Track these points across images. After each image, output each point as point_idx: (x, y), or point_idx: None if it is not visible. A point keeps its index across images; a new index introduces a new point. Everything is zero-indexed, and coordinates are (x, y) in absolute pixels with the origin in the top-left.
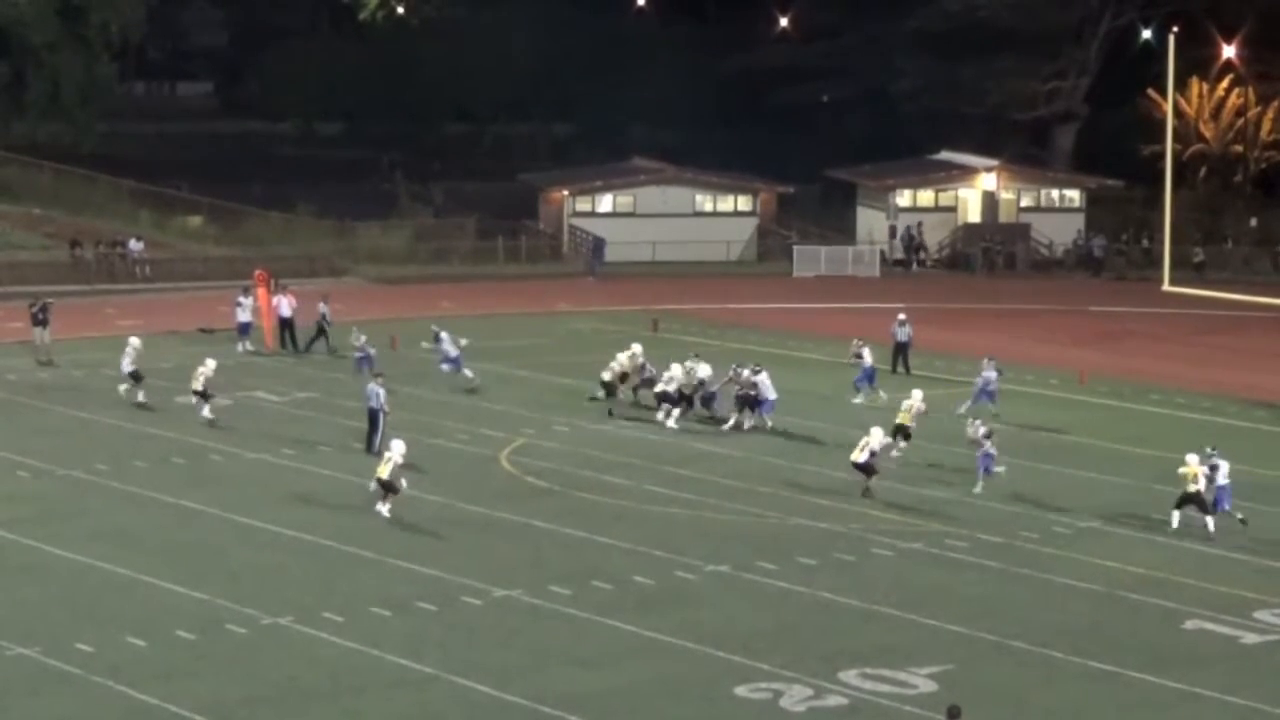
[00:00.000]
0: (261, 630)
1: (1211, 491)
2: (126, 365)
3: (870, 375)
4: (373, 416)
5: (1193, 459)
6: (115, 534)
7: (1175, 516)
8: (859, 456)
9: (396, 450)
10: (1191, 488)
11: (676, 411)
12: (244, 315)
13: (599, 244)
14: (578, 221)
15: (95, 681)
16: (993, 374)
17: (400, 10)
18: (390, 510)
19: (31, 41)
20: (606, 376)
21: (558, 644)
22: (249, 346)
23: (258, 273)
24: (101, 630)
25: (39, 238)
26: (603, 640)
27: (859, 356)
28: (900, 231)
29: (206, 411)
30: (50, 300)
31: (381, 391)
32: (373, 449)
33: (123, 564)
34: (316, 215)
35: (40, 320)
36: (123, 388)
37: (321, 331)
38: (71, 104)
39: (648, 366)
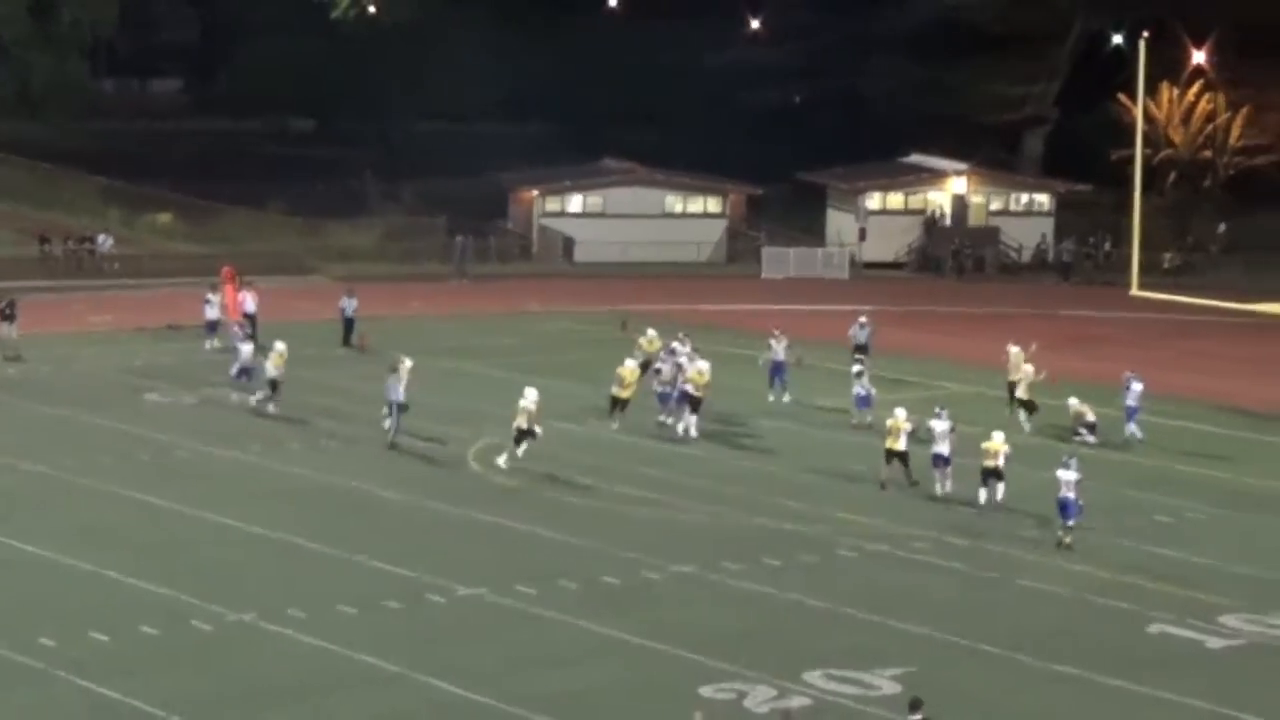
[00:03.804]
0: (227, 627)
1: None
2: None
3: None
4: (394, 409)
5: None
6: (81, 529)
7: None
8: (899, 444)
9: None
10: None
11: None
12: (212, 312)
13: (465, 244)
14: (548, 222)
15: (58, 676)
16: (1138, 386)
17: (372, 9)
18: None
19: (2, 38)
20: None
21: (524, 643)
22: (217, 344)
23: (225, 270)
24: (65, 625)
25: (8, 233)
26: (568, 640)
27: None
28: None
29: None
30: (16, 297)
31: (397, 384)
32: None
33: (88, 559)
34: (286, 213)
35: (7, 316)
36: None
37: (348, 327)
38: (42, 100)
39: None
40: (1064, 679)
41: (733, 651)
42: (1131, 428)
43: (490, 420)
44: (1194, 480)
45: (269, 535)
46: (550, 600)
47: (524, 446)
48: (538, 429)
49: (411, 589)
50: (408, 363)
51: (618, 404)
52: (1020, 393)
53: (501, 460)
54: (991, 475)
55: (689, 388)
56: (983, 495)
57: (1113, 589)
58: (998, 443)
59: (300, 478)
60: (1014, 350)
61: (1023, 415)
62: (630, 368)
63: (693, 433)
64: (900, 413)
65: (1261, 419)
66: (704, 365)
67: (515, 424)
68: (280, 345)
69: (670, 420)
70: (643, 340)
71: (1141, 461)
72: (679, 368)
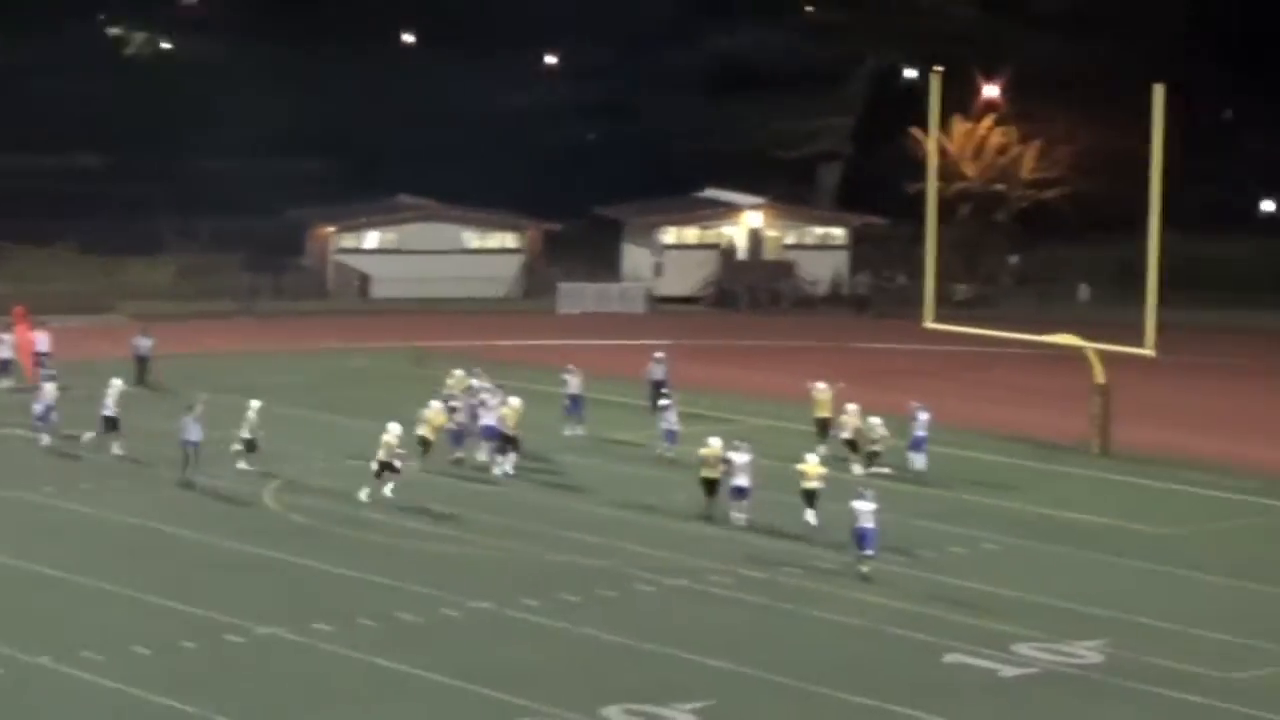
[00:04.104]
0: (20, 670)
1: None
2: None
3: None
4: (187, 448)
5: (714, 441)
6: None
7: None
8: (715, 473)
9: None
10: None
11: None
12: (4, 352)
13: (252, 281)
14: (343, 258)
15: None
16: (924, 416)
17: (165, 45)
18: None
19: None
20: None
21: (321, 682)
22: (9, 384)
23: (16, 309)
24: None
25: None
26: (366, 678)
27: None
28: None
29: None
30: None
31: (193, 423)
32: (189, 482)
33: None
34: (80, 251)
35: None
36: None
37: (141, 365)
38: None
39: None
40: (859, 710)
41: (531, 688)
42: (919, 458)
43: (286, 458)
44: (987, 511)
45: (62, 577)
46: (348, 638)
47: (389, 484)
48: (398, 464)
49: (208, 629)
50: (255, 404)
51: (424, 445)
52: (847, 434)
53: (363, 494)
54: (811, 497)
55: (502, 426)
56: (810, 517)
57: (909, 619)
58: (813, 464)
59: (93, 517)
60: (820, 387)
61: (852, 457)
62: (436, 409)
63: (509, 469)
64: (715, 441)
65: (1051, 449)
66: (515, 402)
67: (376, 457)
68: (117, 381)
69: (464, 456)
70: (450, 380)
71: (935, 493)
72: (482, 403)
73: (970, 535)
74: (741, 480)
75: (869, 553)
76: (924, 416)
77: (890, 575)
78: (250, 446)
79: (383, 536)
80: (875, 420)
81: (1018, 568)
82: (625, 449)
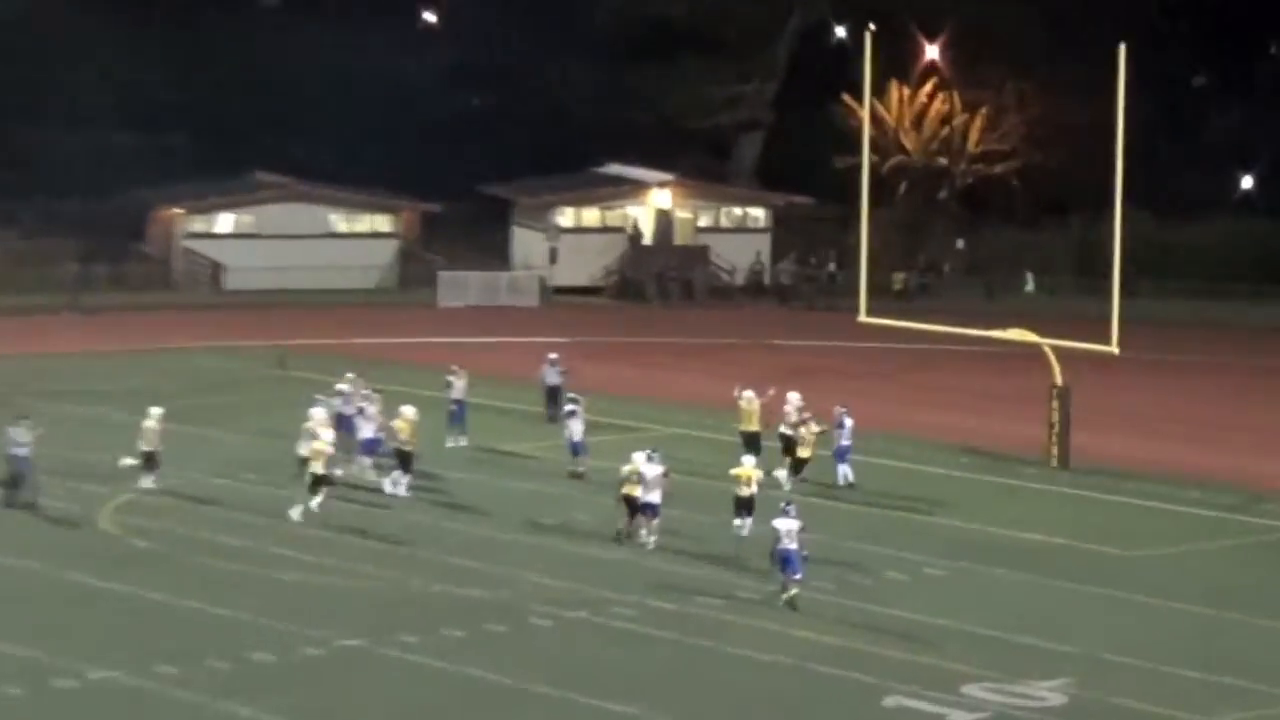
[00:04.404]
0: None
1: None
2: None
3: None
4: (15, 465)
5: (639, 457)
6: None
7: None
8: (637, 491)
9: None
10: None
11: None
12: None
13: (80, 272)
14: (192, 244)
15: None
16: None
17: None
18: None
19: None
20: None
21: None
22: None
23: None
24: None
25: None
26: None
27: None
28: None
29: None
30: None
31: (23, 436)
32: (13, 504)
33: None
34: None
35: None
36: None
37: None
38: None
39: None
40: None
41: None
42: (845, 469)
43: (125, 474)
44: (927, 529)
45: None
46: (196, 681)
47: (319, 497)
48: (338, 472)
49: (35, 672)
50: (156, 411)
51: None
52: (786, 429)
53: (295, 512)
54: (745, 505)
55: (394, 440)
56: (740, 527)
57: (842, 656)
58: (748, 468)
59: None
60: (748, 396)
61: (784, 473)
62: (320, 417)
63: (402, 491)
64: (639, 457)
65: (997, 460)
66: (409, 412)
67: (310, 469)
68: None
69: (339, 472)
70: (340, 385)
71: (869, 510)
72: (360, 412)
73: (911, 559)
74: (652, 496)
75: (796, 577)
76: (849, 423)
77: (819, 605)
78: (149, 461)
79: (238, 564)
80: (808, 416)
81: (966, 596)
82: (517, 462)
